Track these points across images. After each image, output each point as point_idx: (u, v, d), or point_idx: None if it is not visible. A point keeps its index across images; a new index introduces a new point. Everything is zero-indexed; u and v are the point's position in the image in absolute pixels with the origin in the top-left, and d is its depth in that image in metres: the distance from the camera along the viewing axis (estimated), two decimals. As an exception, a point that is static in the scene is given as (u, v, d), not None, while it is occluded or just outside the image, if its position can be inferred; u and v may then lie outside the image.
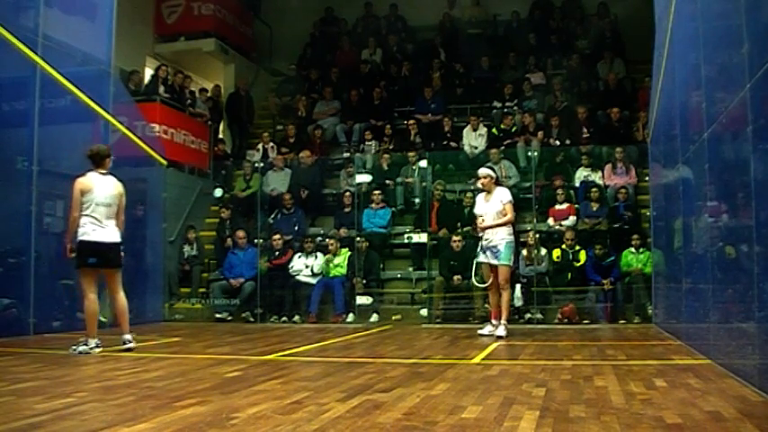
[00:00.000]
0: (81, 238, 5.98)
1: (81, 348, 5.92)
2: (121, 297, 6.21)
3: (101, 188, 6.06)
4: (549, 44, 13.70)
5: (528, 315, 9.42)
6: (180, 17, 13.52)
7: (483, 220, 7.34)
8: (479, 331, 7.45)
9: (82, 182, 6.05)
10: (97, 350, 5.95)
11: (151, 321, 9.49)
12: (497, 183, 7.53)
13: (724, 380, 4.17)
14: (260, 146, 12.73)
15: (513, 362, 5.42)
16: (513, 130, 11.99)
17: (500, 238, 7.24)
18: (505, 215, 7.26)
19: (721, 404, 3.43)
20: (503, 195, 7.32)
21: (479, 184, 7.48)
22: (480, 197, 7.51)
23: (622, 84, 12.46)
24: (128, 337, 6.13)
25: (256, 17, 15.37)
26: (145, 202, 10.01)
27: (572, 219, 10.22)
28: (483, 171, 7.48)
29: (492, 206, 7.28)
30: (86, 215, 5.98)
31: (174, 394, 3.87)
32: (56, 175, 8.58)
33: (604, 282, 9.38)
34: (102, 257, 6.02)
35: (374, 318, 9.89)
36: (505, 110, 12.52)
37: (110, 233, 6.06)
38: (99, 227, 6.00)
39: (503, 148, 11.43)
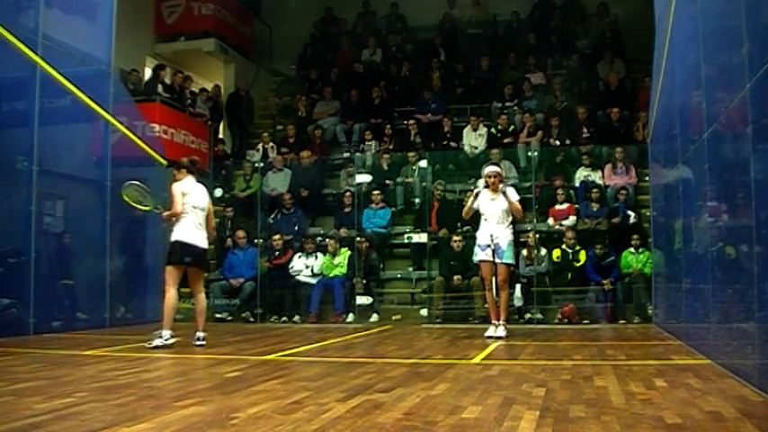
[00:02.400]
0: (179, 238, 6.40)
1: (156, 342, 6.22)
2: (203, 297, 6.75)
3: (197, 194, 6.54)
4: (549, 44, 13.69)
5: (528, 315, 9.42)
6: (180, 17, 13.53)
7: (479, 211, 7.33)
8: (486, 333, 7.37)
9: (181, 186, 6.51)
10: (172, 340, 6.28)
11: (151, 321, 9.46)
12: (501, 182, 7.49)
13: (724, 380, 4.17)
14: (260, 146, 12.73)
15: (513, 362, 5.42)
16: (510, 129, 11.99)
17: (504, 236, 7.22)
18: (518, 210, 7.31)
19: (721, 404, 3.43)
20: (512, 194, 7.31)
21: (489, 182, 7.34)
22: (484, 194, 7.37)
23: (622, 84, 12.45)
24: (201, 334, 6.54)
25: (256, 17, 15.38)
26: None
27: (572, 219, 10.22)
28: (494, 169, 7.42)
29: (499, 204, 7.25)
30: (187, 217, 6.41)
31: (174, 394, 3.87)
32: (56, 175, 8.59)
33: (604, 282, 9.37)
34: (196, 259, 6.51)
35: (374, 318, 9.89)
36: (505, 110, 12.51)
37: (204, 238, 6.55)
38: (197, 230, 6.47)
39: (502, 149, 11.42)
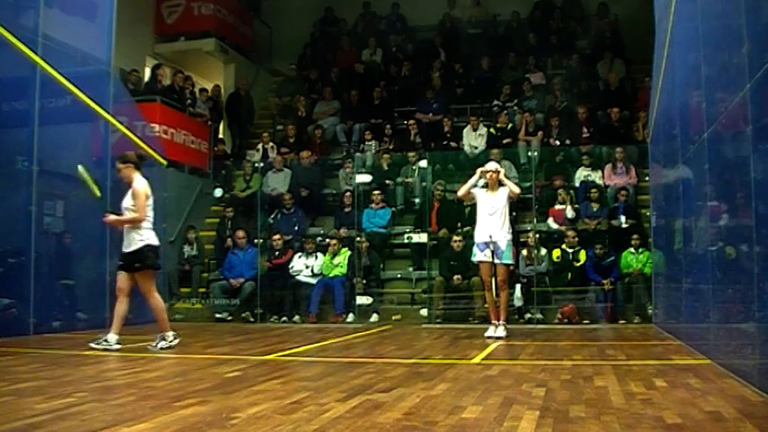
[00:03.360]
0: (150, 242, 6.22)
1: (161, 344, 6.20)
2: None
3: (151, 194, 6.32)
4: (549, 44, 13.70)
5: (528, 315, 9.42)
6: (180, 17, 13.52)
7: (476, 209, 7.33)
8: (486, 333, 7.37)
9: (146, 187, 6.22)
10: (176, 341, 6.27)
11: (151, 321, 9.44)
12: (500, 181, 7.48)
13: (724, 380, 4.17)
14: (260, 146, 12.72)
15: (513, 362, 5.42)
16: (509, 128, 11.98)
17: (503, 236, 7.22)
18: (514, 193, 7.36)
19: (721, 404, 3.43)
20: (506, 179, 7.38)
21: (487, 178, 7.36)
22: (481, 192, 7.39)
23: (622, 84, 12.45)
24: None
25: (256, 17, 15.37)
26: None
27: (571, 212, 10.18)
28: (493, 165, 7.47)
29: (497, 201, 7.25)
30: (148, 219, 6.23)
31: (174, 394, 3.87)
32: (56, 175, 8.58)
33: (604, 282, 9.37)
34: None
35: (374, 318, 9.89)
36: (505, 110, 12.50)
37: None
38: (155, 231, 6.33)
39: (502, 149, 11.41)
